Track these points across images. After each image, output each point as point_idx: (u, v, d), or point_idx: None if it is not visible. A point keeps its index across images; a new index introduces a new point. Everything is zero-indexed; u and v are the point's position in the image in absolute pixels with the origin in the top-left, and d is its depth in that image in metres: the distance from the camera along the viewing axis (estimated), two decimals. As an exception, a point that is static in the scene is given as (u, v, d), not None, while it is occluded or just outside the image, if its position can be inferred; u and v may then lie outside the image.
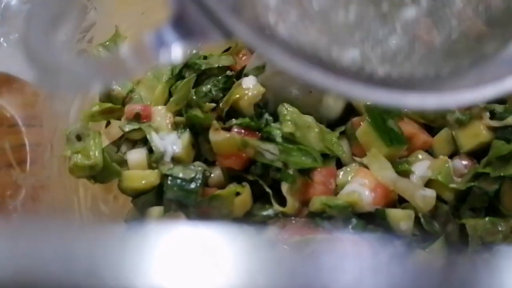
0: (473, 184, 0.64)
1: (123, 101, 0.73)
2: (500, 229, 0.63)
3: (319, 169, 0.66)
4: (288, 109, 0.68)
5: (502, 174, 0.63)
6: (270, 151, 0.66)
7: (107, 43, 0.74)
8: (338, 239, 0.63)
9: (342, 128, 0.71)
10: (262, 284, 0.36)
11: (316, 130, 0.68)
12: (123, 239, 0.41)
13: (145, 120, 0.70)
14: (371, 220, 0.65)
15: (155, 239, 0.40)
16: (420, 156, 0.68)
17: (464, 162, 0.67)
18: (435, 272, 0.41)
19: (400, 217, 0.64)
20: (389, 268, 0.39)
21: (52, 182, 0.70)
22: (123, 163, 0.70)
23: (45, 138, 0.71)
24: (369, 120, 0.66)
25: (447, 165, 0.66)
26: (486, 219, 0.64)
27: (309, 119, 0.69)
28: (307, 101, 0.70)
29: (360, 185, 0.65)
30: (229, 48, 0.80)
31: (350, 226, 0.64)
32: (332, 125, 0.72)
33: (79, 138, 0.68)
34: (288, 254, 0.60)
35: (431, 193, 0.64)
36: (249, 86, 0.69)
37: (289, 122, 0.67)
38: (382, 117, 0.66)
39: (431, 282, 0.39)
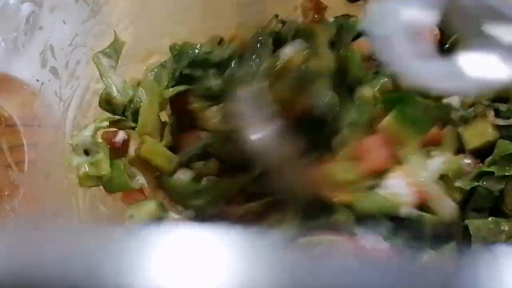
0: (477, 183, 0.64)
1: (124, 108, 0.73)
2: (503, 229, 0.63)
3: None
4: None
5: (506, 174, 0.63)
6: None
7: (107, 50, 0.74)
8: (346, 240, 0.62)
9: None
10: (262, 285, 0.36)
11: None
12: (122, 239, 0.41)
13: None
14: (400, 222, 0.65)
15: (154, 240, 0.39)
16: (434, 153, 0.67)
17: (468, 161, 0.66)
18: (440, 273, 0.41)
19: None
20: (394, 268, 0.39)
21: (51, 182, 0.70)
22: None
23: (43, 138, 0.71)
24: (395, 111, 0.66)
25: (460, 162, 0.66)
26: (490, 219, 0.63)
27: None
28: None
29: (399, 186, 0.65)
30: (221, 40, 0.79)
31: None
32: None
33: (86, 152, 0.68)
34: (289, 256, 0.60)
35: (452, 203, 0.63)
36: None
37: None
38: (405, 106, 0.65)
39: (437, 282, 0.39)
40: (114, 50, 0.74)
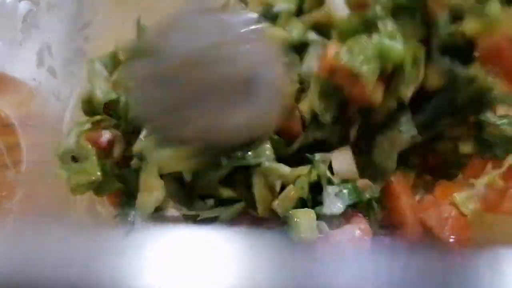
0: None
1: (104, 106, 0.72)
2: None
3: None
4: None
5: None
6: None
7: (104, 57, 0.73)
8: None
9: None
10: (262, 285, 0.36)
11: None
12: (120, 240, 0.41)
13: None
14: None
15: (153, 240, 0.39)
16: None
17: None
18: (436, 273, 0.41)
19: None
20: (390, 268, 0.39)
21: (48, 182, 0.69)
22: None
23: (41, 138, 0.70)
24: None
25: None
26: None
27: None
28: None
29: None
30: None
31: None
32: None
33: (74, 159, 0.68)
34: (288, 255, 0.60)
35: None
36: None
37: None
38: None
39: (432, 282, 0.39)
40: (112, 61, 0.74)
